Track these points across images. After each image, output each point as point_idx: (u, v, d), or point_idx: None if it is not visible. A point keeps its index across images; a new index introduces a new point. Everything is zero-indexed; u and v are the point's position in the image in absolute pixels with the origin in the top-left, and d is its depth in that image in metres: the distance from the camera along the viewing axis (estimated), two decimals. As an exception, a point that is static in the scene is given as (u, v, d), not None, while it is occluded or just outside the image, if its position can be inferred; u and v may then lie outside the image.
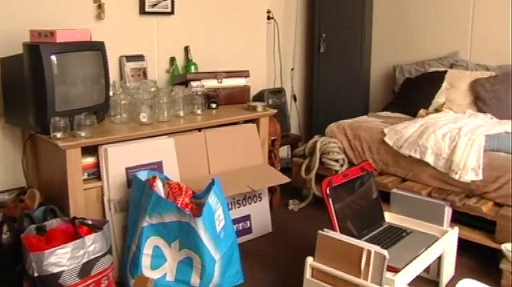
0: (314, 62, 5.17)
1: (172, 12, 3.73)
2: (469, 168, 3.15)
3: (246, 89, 3.82)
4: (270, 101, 4.26)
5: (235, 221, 3.29)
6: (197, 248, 2.56)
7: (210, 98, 3.53)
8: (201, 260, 2.58)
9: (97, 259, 2.42)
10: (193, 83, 3.55)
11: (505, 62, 4.42)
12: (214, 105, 3.53)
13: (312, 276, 2.47)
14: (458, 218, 3.14)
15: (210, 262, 2.59)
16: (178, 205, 2.59)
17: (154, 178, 2.67)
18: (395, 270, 2.35)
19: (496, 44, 4.52)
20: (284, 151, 4.85)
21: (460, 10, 4.68)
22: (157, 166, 2.93)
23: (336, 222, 2.53)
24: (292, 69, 5.24)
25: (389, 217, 2.94)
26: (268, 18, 4.65)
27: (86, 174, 2.74)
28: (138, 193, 2.67)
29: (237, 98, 3.74)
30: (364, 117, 4.17)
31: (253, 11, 4.35)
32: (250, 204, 3.41)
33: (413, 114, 4.10)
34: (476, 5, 4.60)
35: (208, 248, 2.57)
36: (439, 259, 2.76)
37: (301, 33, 5.31)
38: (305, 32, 5.31)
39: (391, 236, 2.73)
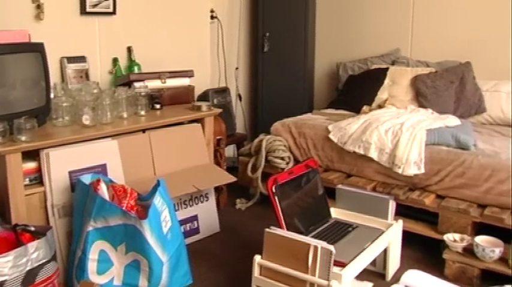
0: (258, 61, 5.19)
1: (114, 12, 3.67)
2: (412, 162, 3.23)
3: (190, 89, 3.80)
4: (215, 101, 4.25)
5: (182, 221, 3.26)
6: (144, 251, 2.53)
7: (154, 98, 3.49)
8: (148, 262, 2.55)
9: (41, 266, 2.36)
10: (137, 84, 3.50)
11: (445, 59, 4.55)
12: (158, 106, 3.49)
13: (261, 274, 2.48)
14: (403, 211, 3.22)
15: (157, 264, 2.56)
16: (123, 208, 2.55)
17: (98, 181, 2.62)
18: (342, 265, 2.38)
19: (436, 41, 4.65)
20: (230, 150, 4.85)
21: (400, 8, 4.78)
22: (101, 169, 2.88)
23: (282, 220, 2.55)
24: (237, 68, 5.24)
25: (336, 213, 2.98)
26: (212, 17, 4.64)
27: (27, 179, 2.66)
28: (82, 196, 2.62)
29: (182, 98, 3.71)
30: (309, 114, 4.21)
31: (197, 10, 4.33)
32: (197, 204, 3.40)
33: (357, 110, 4.17)
34: (416, 3, 4.72)
35: (155, 250, 2.54)
36: (385, 252, 2.81)
37: (245, 32, 5.32)
38: (249, 31, 5.32)
39: (338, 232, 2.76)
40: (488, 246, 2.77)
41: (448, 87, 4.25)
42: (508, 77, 4.27)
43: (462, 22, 4.52)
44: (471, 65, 4.33)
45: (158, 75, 3.65)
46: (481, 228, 3.04)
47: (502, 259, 2.77)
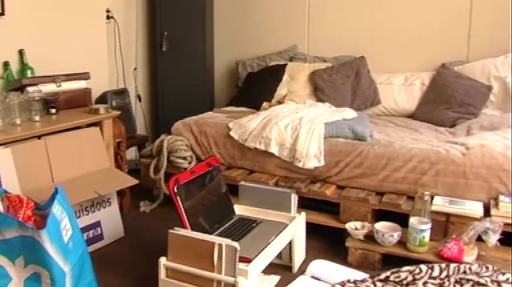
0: (157, 61, 5.13)
1: (2, 13, 3.49)
2: (312, 155, 3.30)
3: (87, 92, 3.70)
4: (114, 103, 4.15)
5: (85, 229, 3.17)
6: (44, 262, 2.43)
7: (49, 103, 3.37)
8: (49, 274, 2.44)
9: None
10: (30, 88, 3.35)
11: (340, 54, 4.70)
12: (53, 111, 3.38)
13: (167, 276, 2.45)
14: (305, 204, 3.28)
15: (59, 275, 2.46)
16: (20, 219, 2.44)
17: (-10, 192, 2.50)
18: (248, 260, 2.39)
19: (332, 37, 4.79)
20: (131, 153, 4.76)
21: (296, 6, 4.88)
22: (-6, 179, 2.74)
23: (185, 219, 2.53)
24: (135, 68, 5.16)
25: (240, 209, 2.99)
26: (108, 17, 4.53)
27: None
28: (-27, 210, 2.48)
29: (78, 101, 3.61)
30: (210, 113, 4.21)
31: (92, 10, 4.20)
32: (99, 210, 3.31)
33: (257, 107, 4.22)
34: (312, 1, 4.83)
35: (56, 261, 2.45)
36: (290, 244, 2.85)
37: (143, 32, 5.24)
38: (147, 31, 5.25)
39: (242, 228, 2.77)
40: (388, 231, 2.88)
41: (345, 81, 4.39)
42: (399, 70, 4.48)
43: (356, 18, 4.69)
44: (365, 60, 4.51)
45: (53, 78, 3.52)
46: (380, 215, 3.16)
47: (401, 243, 2.89)
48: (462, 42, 4.40)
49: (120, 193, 3.63)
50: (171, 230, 2.43)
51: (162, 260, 2.43)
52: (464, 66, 4.26)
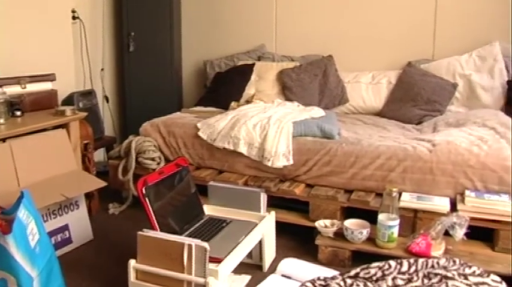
0: (124, 62, 5.09)
1: (-36, 14, 3.43)
2: (280, 154, 3.31)
3: (53, 93, 3.65)
4: (81, 104, 4.10)
5: (53, 233, 3.12)
6: (11, 268, 2.39)
7: (14, 105, 3.31)
8: (16, 280, 2.40)
9: None
10: (-6, 91, 3.30)
11: (308, 53, 4.72)
12: (18, 113, 3.32)
13: (137, 278, 2.43)
14: (275, 203, 3.29)
15: (26, 280, 2.42)
16: (-16, 224, 2.40)
17: (-47, 197, 2.45)
18: (218, 260, 2.39)
19: (299, 37, 4.82)
20: (100, 155, 4.71)
21: (264, 5, 4.89)
22: (-43, 184, 2.69)
23: (154, 221, 2.51)
24: (102, 69, 5.10)
25: (209, 210, 2.98)
26: (74, 18, 4.47)
27: None
28: None
29: (44, 103, 3.56)
30: (178, 113, 4.18)
31: (57, 11, 4.13)
32: (67, 213, 3.26)
33: (226, 107, 4.21)
34: (279, 1, 4.85)
35: (23, 266, 2.41)
36: (260, 244, 2.85)
37: (109, 32, 5.19)
38: (113, 31, 5.20)
39: (212, 228, 2.77)
40: (357, 228, 2.91)
41: (312, 80, 4.42)
42: (367, 69, 4.52)
43: (323, 17, 4.73)
44: (333, 58, 4.55)
45: (17, 80, 3.47)
46: (349, 212, 3.18)
47: (370, 239, 2.92)
48: (428, 41, 4.46)
49: (88, 196, 3.58)
50: (140, 232, 2.41)
51: (132, 262, 2.42)
52: (430, 64, 4.33)
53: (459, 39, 4.33)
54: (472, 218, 2.80)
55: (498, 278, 2.24)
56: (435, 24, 4.43)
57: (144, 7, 4.94)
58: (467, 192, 2.95)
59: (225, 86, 4.56)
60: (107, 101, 5.15)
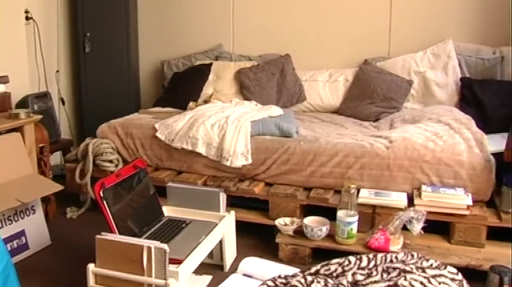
0: (80, 63, 5.01)
1: None
2: (239, 154, 3.31)
3: (6, 96, 3.58)
4: (36, 107, 4.02)
5: (8, 239, 3.05)
6: (-36, 275, 2.34)
7: (-35, 109, 3.24)
8: (-30, 287, 2.36)
9: None
10: None
11: (265, 52, 4.74)
12: (-30, 117, 3.25)
13: (96, 283, 2.40)
14: (235, 202, 3.30)
15: (-19, 287, 2.38)
16: None
17: None
18: (178, 262, 2.38)
19: (256, 36, 4.82)
20: (56, 158, 4.63)
21: (221, 5, 4.88)
22: None
23: (113, 224, 2.48)
24: (58, 71, 5.01)
25: (168, 211, 2.96)
26: (27, 18, 4.37)
27: None
28: None
29: (-3, 106, 3.49)
30: (135, 114, 4.14)
31: (9, 11, 4.02)
32: (23, 218, 3.19)
33: (184, 107, 4.19)
34: (236, 0, 4.84)
35: (-22, 273, 2.36)
36: (220, 243, 2.85)
37: (64, 33, 5.09)
38: (68, 32, 5.10)
39: (172, 229, 2.75)
40: (316, 226, 2.93)
41: (270, 79, 4.43)
42: (324, 67, 4.56)
43: (280, 16, 4.75)
44: (290, 57, 4.57)
45: (-32, 83, 3.39)
46: (308, 209, 3.20)
47: (330, 236, 2.94)
48: (383, 39, 4.53)
49: (45, 200, 3.51)
50: (98, 236, 2.38)
51: (91, 266, 2.39)
52: (386, 62, 4.39)
53: (414, 37, 4.40)
54: (429, 212, 2.85)
55: (454, 270, 2.28)
56: (390, 22, 4.49)
57: (99, 7, 4.87)
58: (423, 187, 3.01)
59: (183, 86, 4.53)
60: (63, 103, 5.06)
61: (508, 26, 4.20)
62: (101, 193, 2.48)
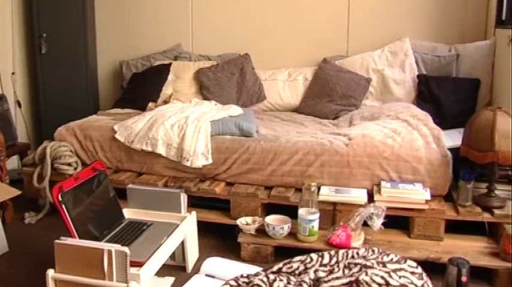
0: (36, 64, 4.91)
1: None
2: (199, 154, 3.30)
3: (-41, 100, 3.49)
4: (-9, 110, 3.94)
5: (-36, 246, 2.99)
6: None
7: None
8: None
9: None
10: None
11: (225, 51, 4.74)
12: None
13: (57, 288, 2.37)
14: (197, 203, 3.30)
15: None
16: None
17: None
18: (139, 264, 2.36)
19: (215, 35, 4.82)
20: (13, 162, 4.54)
21: (180, 4, 4.86)
22: None
23: (72, 228, 2.44)
24: (13, 73, 4.90)
25: (129, 213, 2.93)
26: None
27: None
28: None
29: (-51, 110, 3.40)
30: (94, 116, 4.08)
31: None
32: (-21, 225, 3.13)
33: (143, 108, 4.16)
34: (195, 0, 4.83)
35: None
36: (182, 244, 2.84)
37: (19, 34, 4.98)
38: (23, 33, 5.00)
39: (133, 232, 2.73)
40: (278, 224, 2.95)
41: (230, 79, 4.43)
42: (283, 66, 4.58)
43: (239, 16, 4.75)
44: (250, 57, 4.58)
45: None
46: (269, 208, 3.21)
47: (292, 234, 2.96)
48: (342, 37, 4.58)
49: (2, 205, 3.43)
50: (57, 241, 2.34)
51: (50, 272, 2.35)
52: (344, 60, 4.44)
53: (372, 36, 4.47)
54: (389, 208, 2.89)
55: (414, 263, 2.32)
56: (349, 21, 4.54)
57: (55, 7, 4.78)
58: (383, 183, 3.05)
59: (142, 87, 4.50)
60: (19, 106, 4.95)
61: (463, 24, 4.30)
62: (59, 196, 2.44)
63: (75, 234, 2.46)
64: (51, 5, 4.78)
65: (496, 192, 2.99)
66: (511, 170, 3.13)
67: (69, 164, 3.59)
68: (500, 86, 3.85)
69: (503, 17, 3.96)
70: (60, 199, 2.44)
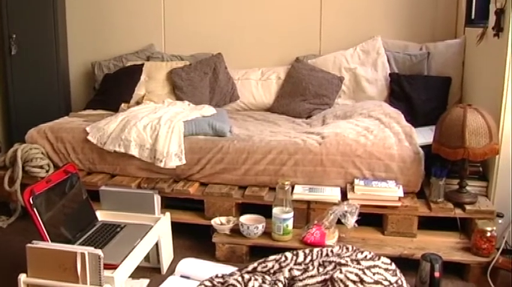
0: (6, 66, 4.83)
1: None
2: (172, 154, 3.29)
3: None
4: (-41, 113, 3.87)
5: None
6: None
7: None
8: None
9: None
10: None
11: (197, 51, 4.73)
12: None
13: (29, 293, 2.34)
14: (171, 203, 3.29)
15: None
16: None
17: None
18: (113, 267, 2.34)
19: (188, 35, 4.80)
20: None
21: (151, 4, 4.83)
22: None
23: (44, 231, 2.41)
24: (-18, 75, 4.84)
25: (103, 215, 2.91)
26: None
27: None
28: None
29: None
30: (66, 118, 4.03)
31: None
32: None
33: (116, 109, 4.12)
34: (167, 0, 4.81)
35: None
36: (157, 246, 2.82)
37: (-12, 35, 4.92)
38: (-8, 35, 4.93)
39: (106, 234, 2.70)
40: (252, 224, 2.95)
41: (203, 79, 4.42)
42: (256, 66, 4.59)
43: (211, 15, 4.75)
44: (222, 56, 4.57)
45: None
46: (244, 208, 3.22)
47: (266, 233, 2.97)
48: (314, 36, 4.60)
49: (-28, 210, 3.39)
50: (28, 245, 2.31)
51: (22, 277, 2.32)
52: (317, 59, 4.46)
53: (344, 35, 4.50)
54: (362, 206, 2.92)
55: (388, 260, 2.35)
56: (321, 20, 4.57)
57: (25, 8, 4.71)
58: (356, 181, 3.07)
59: (115, 88, 4.46)
60: (-12, 109, 4.89)
61: (434, 23, 4.36)
62: (31, 200, 2.41)
63: (47, 237, 2.43)
64: (21, 5, 4.71)
65: (467, 188, 3.04)
66: (481, 166, 3.19)
67: (41, 167, 3.55)
68: (470, 83, 3.90)
69: (473, 16, 4.03)
70: (31, 202, 2.41)
